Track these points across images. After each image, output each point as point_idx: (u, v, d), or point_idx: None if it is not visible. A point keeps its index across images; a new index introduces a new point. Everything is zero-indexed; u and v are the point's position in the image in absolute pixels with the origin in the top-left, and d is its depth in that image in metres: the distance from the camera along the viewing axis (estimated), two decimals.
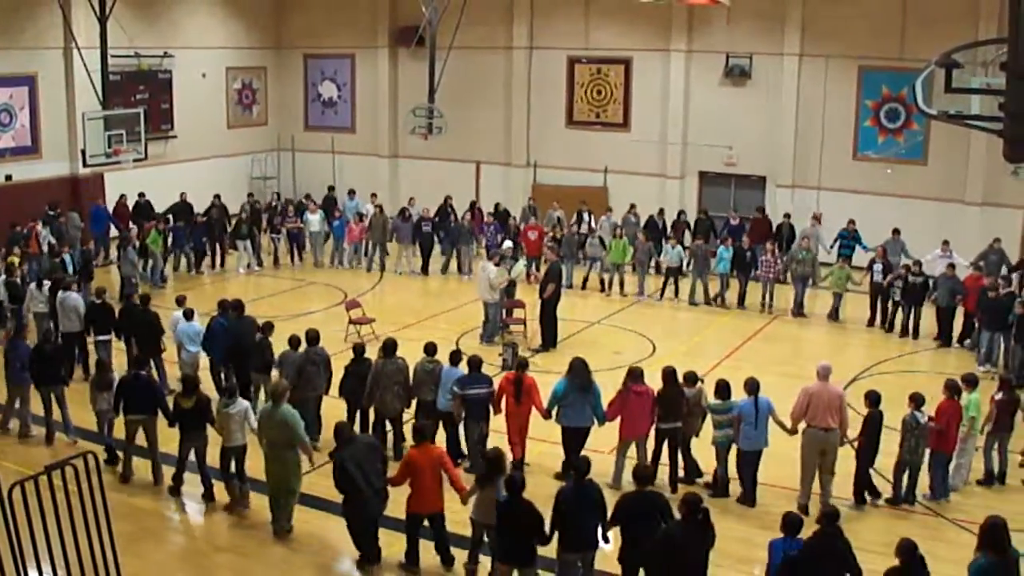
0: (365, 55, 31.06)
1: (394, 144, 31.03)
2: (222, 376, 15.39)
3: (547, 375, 14.00)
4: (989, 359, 17.99)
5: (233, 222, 25.58)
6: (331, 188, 28.45)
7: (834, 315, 21.33)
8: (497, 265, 19.72)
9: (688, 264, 23.02)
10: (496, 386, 13.21)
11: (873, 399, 12.49)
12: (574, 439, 12.77)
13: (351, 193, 27.78)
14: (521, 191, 28.68)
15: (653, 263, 23.63)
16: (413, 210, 25.83)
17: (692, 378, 13.08)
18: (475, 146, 29.46)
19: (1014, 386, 13.73)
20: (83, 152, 24.26)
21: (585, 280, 23.82)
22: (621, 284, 23.32)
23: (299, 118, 32.52)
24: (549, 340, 19.00)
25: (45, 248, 21.81)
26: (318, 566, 11.11)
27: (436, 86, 27.02)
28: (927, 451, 12.52)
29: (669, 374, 12.96)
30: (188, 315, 15.91)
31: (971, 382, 13.00)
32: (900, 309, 20.37)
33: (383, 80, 30.83)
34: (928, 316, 19.97)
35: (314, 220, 25.97)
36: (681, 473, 13.09)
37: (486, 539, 10.43)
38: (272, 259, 25.88)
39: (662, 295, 22.88)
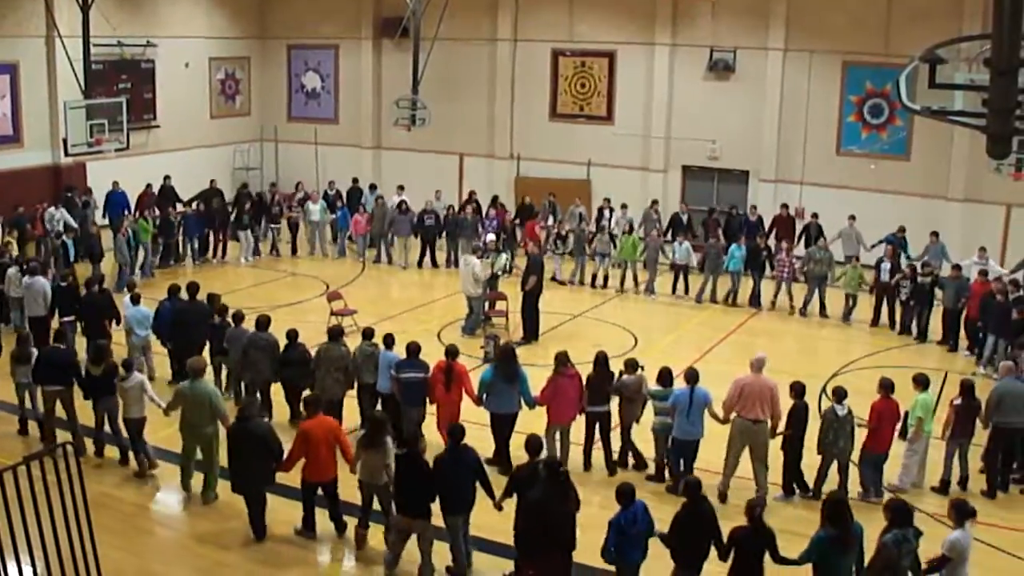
0: (349, 46, 30.94)
1: (377, 135, 30.94)
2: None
3: (529, 368, 13.98)
4: (991, 363, 17.41)
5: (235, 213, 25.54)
6: (355, 180, 28.18)
7: (846, 316, 20.98)
8: (480, 259, 19.73)
9: (702, 263, 22.61)
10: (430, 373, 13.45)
11: (798, 390, 12.47)
12: (501, 424, 13.10)
13: (372, 187, 27.69)
14: (504, 184, 28.63)
15: (663, 260, 23.17)
16: (437, 204, 25.47)
17: (633, 365, 13.30)
18: (458, 138, 29.38)
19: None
20: (65, 141, 24.06)
21: (594, 277, 23.40)
22: (606, 279, 23.24)
23: (282, 109, 32.38)
24: (531, 332, 19.00)
25: (60, 228, 21.71)
26: (303, 561, 11.07)
27: (420, 78, 26.98)
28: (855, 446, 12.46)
29: (600, 359, 13.30)
30: (135, 300, 16.08)
31: (922, 383, 12.82)
32: (908, 309, 20.01)
33: (367, 71, 30.72)
34: (938, 318, 19.66)
35: (315, 210, 25.85)
36: (615, 456, 13.39)
37: (376, 505, 10.94)
38: (271, 248, 25.89)
39: (687, 291, 22.49)
